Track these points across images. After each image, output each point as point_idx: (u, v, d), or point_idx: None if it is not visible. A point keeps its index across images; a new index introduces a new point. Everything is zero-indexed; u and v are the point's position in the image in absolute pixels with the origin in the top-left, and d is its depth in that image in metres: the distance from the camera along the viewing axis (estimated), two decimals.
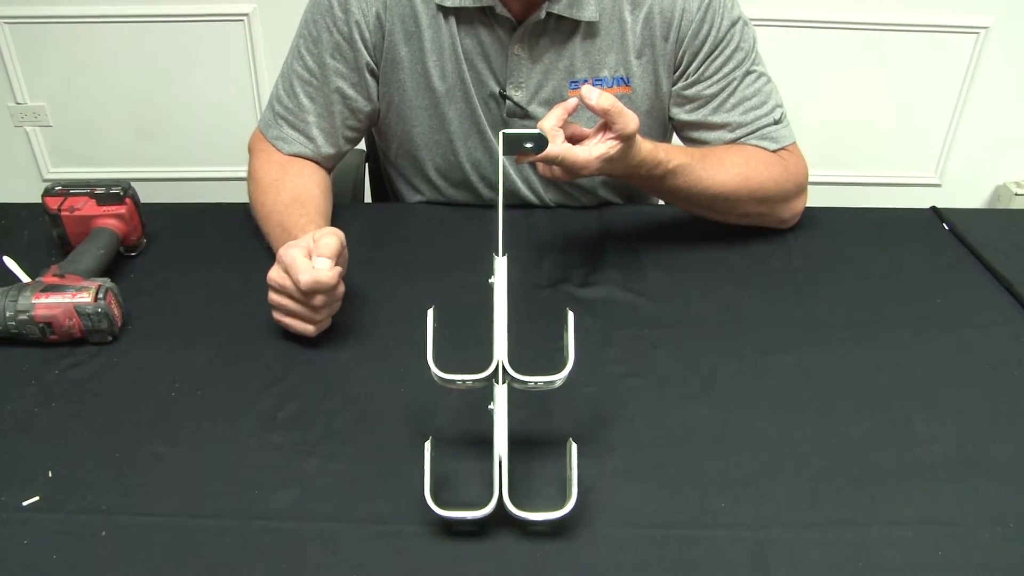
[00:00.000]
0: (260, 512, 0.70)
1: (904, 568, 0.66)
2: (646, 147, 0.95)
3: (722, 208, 1.08)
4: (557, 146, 0.87)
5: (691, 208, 1.09)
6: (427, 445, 0.69)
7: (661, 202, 1.38)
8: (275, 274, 0.86)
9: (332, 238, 0.86)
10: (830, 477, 0.74)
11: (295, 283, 0.84)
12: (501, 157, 0.86)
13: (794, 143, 1.11)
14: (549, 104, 1.08)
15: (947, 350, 0.91)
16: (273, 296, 0.87)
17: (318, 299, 0.85)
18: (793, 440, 0.79)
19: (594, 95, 0.86)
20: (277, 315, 0.89)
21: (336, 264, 0.86)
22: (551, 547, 0.67)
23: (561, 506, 0.67)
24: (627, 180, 1.01)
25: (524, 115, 1.10)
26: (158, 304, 0.96)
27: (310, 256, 0.85)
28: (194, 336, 0.91)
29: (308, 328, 0.88)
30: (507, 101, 1.09)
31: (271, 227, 1.02)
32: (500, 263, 0.74)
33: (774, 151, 1.09)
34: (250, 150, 1.13)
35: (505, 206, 0.79)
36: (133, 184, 1.04)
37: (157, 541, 0.68)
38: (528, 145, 0.86)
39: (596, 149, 0.89)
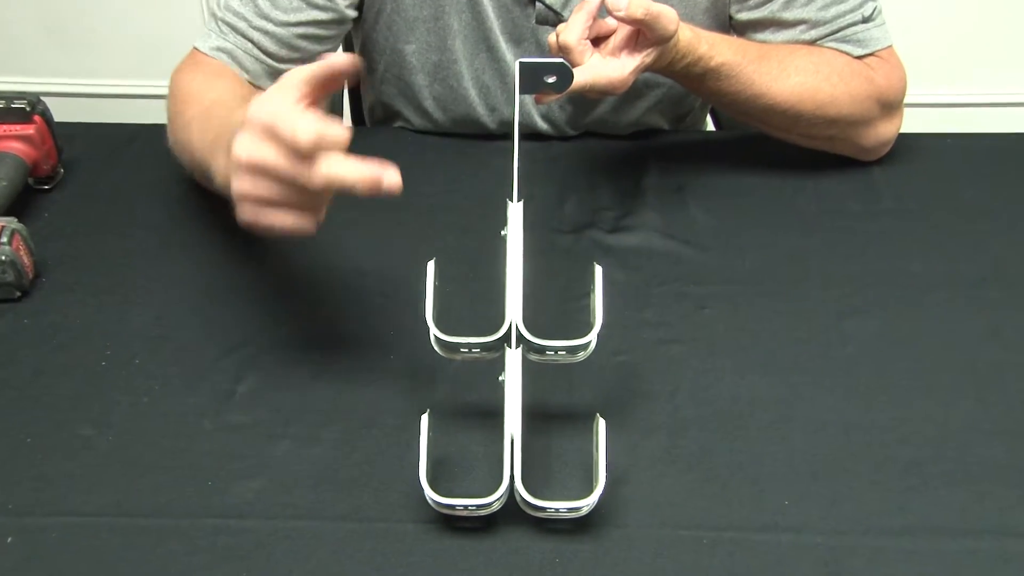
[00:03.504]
0: (215, 509, 0.71)
1: None
2: (684, 36, 0.93)
3: (778, 124, 1.06)
4: (584, 74, 0.87)
5: (743, 118, 1.09)
6: (424, 419, 0.70)
7: (712, 127, 1.37)
8: (250, 145, 0.67)
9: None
10: (924, 472, 0.75)
11: (289, 143, 0.65)
12: (517, 92, 0.85)
13: (889, 47, 1.08)
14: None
15: None
16: (245, 185, 0.68)
17: (322, 171, 0.66)
18: (876, 425, 0.79)
19: (622, 3, 0.84)
20: (256, 213, 0.69)
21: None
22: (574, 549, 0.69)
23: (585, 496, 0.68)
24: (659, 74, 1.00)
25: (558, 21, 1.06)
26: (80, 250, 0.97)
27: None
28: (128, 290, 0.92)
29: (307, 223, 0.70)
30: (538, 3, 1.07)
31: (202, 132, 0.87)
32: (515, 210, 0.75)
33: (859, 57, 1.07)
34: (175, 71, 1.04)
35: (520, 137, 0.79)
36: (44, 99, 1.03)
37: (81, 548, 0.69)
38: (550, 80, 0.86)
39: (629, 63, 0.89)
